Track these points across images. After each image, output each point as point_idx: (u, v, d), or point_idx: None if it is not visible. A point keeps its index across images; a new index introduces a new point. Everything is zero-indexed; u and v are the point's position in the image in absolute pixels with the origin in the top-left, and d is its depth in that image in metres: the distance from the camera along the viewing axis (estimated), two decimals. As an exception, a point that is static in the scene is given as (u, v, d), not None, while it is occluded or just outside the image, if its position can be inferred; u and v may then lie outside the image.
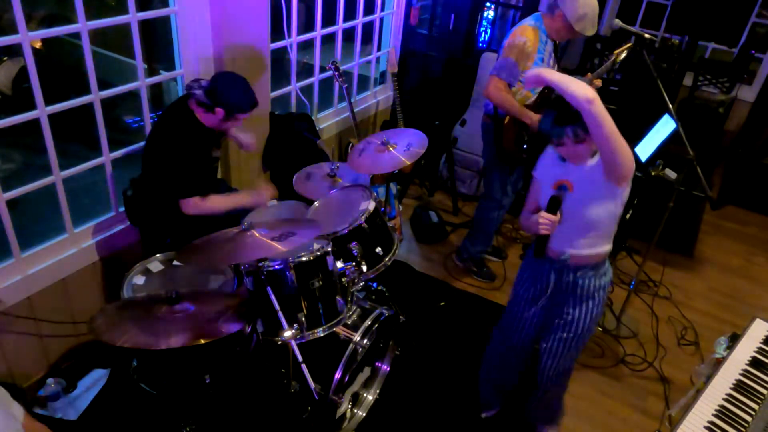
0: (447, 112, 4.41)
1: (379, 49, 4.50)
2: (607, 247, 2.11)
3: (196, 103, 2.39)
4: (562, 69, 3.13)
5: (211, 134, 2.51)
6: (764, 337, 2.22)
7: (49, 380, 2.55)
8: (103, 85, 2.55)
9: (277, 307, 2.02)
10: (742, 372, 2.05)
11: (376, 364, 2.61)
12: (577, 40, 5.00)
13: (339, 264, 2.27)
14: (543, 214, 1.99)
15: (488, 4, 4.70)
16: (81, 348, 2.77)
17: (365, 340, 2.28)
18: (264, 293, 2.03)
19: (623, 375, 3.06)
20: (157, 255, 2.32)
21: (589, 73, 2.95)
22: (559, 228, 2.03)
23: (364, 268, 2.38)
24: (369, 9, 4.21)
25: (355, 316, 2.36)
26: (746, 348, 2.17)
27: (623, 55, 2.89)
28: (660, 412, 2.86)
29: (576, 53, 4.89)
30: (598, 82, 2.96)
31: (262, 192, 2.55)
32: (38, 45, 3.89)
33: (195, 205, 2.39)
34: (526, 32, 2.88)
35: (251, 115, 2.48)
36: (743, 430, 1.83)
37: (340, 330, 2.29)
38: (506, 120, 3.02)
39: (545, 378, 2.36)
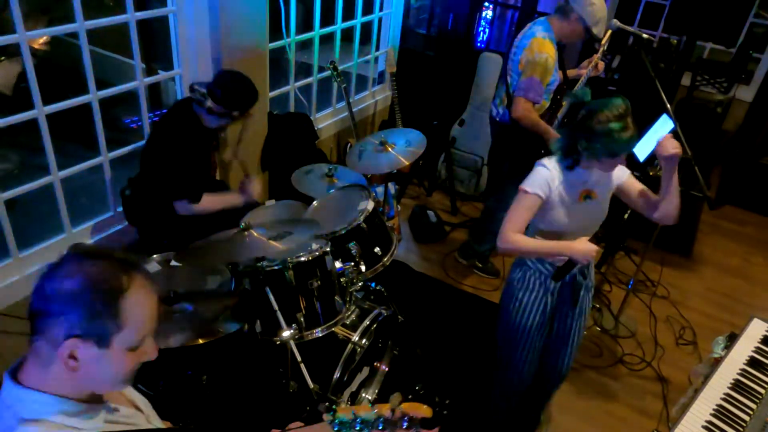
0: (445, 112, 4.40)
1: (377, 48, 4.50)
2: None
3: (198, 105, 2.40)
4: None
5: (211, 135, 2.53)
6: (762, 337, 2.23)
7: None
8: (101, 84, 2.55)
9: (276, 307, 2.02)
10: (740, 371, 2.05)
11: (375, 364, 2.61)
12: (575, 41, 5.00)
13: (338, 264, 2.27)
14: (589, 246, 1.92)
15: (487, 3, 4.70)
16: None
17: (364, 340, 2.28)
18: (262, 293, 2.02)
19: (621, 374, 3.06)
20: (155, 255, 2.31)
21: (595, 56, 2.98)
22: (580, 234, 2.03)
23: (363, 268, 2.37)
24: (368, 8, 4.21)
25: (353, 316, 2.36)
26: (744, 347, 2.17)
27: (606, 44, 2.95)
28: (658, 412, 2.86)
29: (574, 54, 4.89)
30: (601, 65, 3.00)
31: (250, 189, 2.54)
32: (38, 45, 3.88)
33: (187, 208, 2.41)
34: (545, 47, 2.81)
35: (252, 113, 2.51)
36: (741, 429, 1.83)
37: (338, 330, 2.29)
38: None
39: (566, 366, 2.29)
